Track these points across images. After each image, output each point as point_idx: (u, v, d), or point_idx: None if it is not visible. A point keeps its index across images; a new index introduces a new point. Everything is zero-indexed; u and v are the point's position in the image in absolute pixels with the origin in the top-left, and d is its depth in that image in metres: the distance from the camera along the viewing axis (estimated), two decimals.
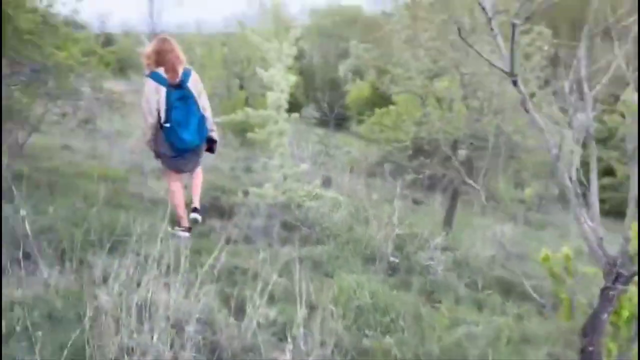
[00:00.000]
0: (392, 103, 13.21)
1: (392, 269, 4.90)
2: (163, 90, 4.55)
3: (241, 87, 12.81)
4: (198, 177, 5.17)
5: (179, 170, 5.01)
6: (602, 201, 3.33)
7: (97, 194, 4.90)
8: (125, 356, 2.58)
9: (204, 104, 4.80)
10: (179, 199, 4.95)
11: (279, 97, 6.14)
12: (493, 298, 4.53)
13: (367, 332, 3.39)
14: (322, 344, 3.08)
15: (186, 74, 4.66)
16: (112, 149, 7.96)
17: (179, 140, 4.63)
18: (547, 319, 4.30)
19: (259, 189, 6.12)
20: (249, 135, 6.40)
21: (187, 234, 4.81)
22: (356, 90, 19.91)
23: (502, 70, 2.97)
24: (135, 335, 2.70)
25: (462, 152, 5.43)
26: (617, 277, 3.02)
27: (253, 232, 5.42)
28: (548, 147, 3.05)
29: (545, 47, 5.56)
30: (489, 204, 8.38)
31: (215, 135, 5.07)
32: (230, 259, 4.32)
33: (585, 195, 3.12)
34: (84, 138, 8.24)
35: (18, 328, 2.54)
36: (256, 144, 11.89)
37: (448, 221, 6.39)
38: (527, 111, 3.03)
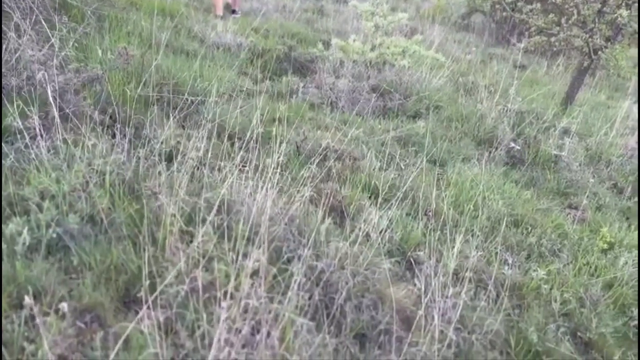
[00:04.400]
0: None
1: (512, 158, 3.93)
2: None
3: None
4: None
5: None
6: None
7: (154, 33, 3.97)
8: (199, 272, 1.80)
9: None
10: None
11: None
12: None
13: (507, 257, 2.55)
14: (456, 274, 2.28)
15: None
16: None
17: None
18: None
19: (343, 42, 5.02)
20: None
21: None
22: None
23: None
24: (212, 247, 1.94)
25: (624, 12, 4.08)
26: None
27: (337, 95, 4.45)
28: None
29: None
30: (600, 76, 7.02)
31: None
32: (316, 135, 3.45)
33: None
34: None
35: (44, 240, 1.80)
36: None
37: (570, 97, 5.21)
38: None
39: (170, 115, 2.91)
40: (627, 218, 3.45)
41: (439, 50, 5.73)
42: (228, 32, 5.17)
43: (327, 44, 5.34)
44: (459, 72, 5.77)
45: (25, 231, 1.76)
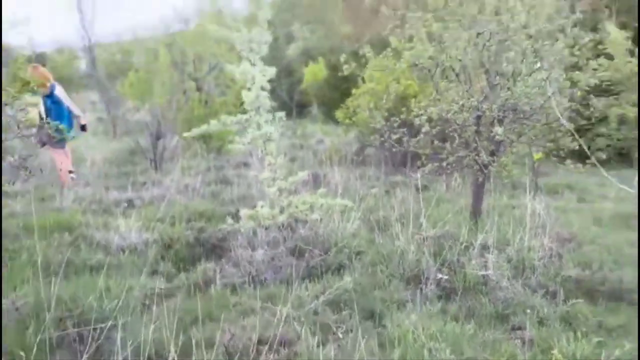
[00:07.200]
0: (355, 84, 11.62)
1: (443, 289, 3.90)
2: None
3: (198, 89, 11.44)
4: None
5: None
6: None
7: (54, 256, 3.75)
8: None
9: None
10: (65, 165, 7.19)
11: (257, 95, 5.03)
12: (579, 309, 3.59)
13: None
14: None
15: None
16: (60, 186, 6.70)
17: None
18: None
19: (251, 211, 5.02)
20: (229, 146, 5.25)
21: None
22: (311, 74, 18.55)
23: None
24: None
25: (499, 130, 4.43)
26: None
27: (257, 268, 4.33)
28: None
29: None
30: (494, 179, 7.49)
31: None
32: (243, 324, 3.25)
33: None
34: (23, 179, 6.91)
35: None
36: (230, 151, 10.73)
37: (476, 210, 5.43)
38: None
39: (79, 354, 2.63)
40: (570, 324, 3.44)
41: (344, 194, 5.89)
42: (132, 229, 5.01)
43: (236, 216, 5.31)
44: (368, 209, 5.88)
45: None
